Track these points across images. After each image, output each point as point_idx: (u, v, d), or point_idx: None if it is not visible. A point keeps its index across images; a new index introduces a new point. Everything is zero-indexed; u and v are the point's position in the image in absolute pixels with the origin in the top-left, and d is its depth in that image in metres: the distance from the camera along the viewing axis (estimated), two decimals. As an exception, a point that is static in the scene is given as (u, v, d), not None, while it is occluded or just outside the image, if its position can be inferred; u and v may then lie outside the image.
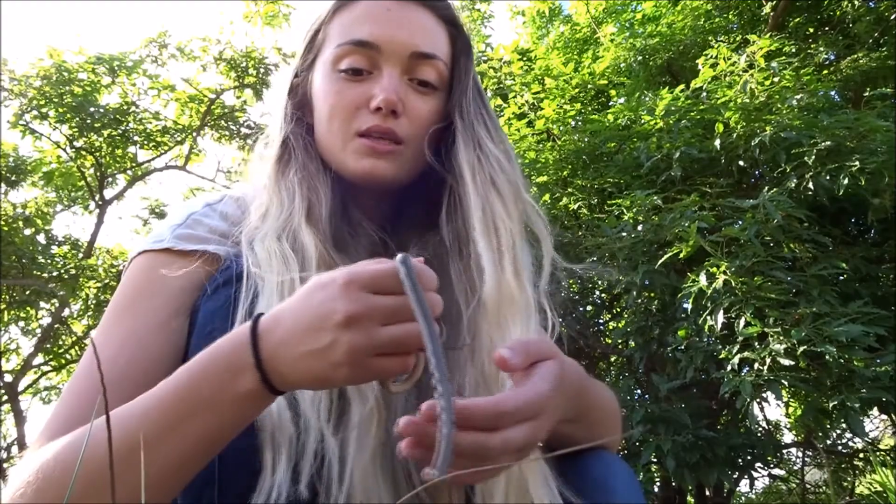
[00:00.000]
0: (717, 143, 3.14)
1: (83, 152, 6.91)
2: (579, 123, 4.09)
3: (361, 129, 0.75)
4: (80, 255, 6.77)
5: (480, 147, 0.76)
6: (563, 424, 0.67)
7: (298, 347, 0.52)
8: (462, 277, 0.73)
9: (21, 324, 6.81)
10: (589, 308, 4.11)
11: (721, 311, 2.45)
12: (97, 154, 6.92)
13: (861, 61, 4.11)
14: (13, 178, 6.48)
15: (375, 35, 0.76)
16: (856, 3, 4.81)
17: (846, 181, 2.57)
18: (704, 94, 3.54)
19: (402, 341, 0.52)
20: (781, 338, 2.28)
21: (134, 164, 7.42)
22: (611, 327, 4.12)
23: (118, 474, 0.47)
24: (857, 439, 3.94)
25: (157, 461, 0.53)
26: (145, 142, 7.17)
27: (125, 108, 6.78)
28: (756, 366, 2.34)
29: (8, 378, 6.39)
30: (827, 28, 5.18)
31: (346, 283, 0.52)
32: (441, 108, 0.79)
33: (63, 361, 7.23)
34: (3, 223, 6.02)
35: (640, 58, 4.84)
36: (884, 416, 3.63)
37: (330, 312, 0.51)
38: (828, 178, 2.67)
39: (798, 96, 3.20)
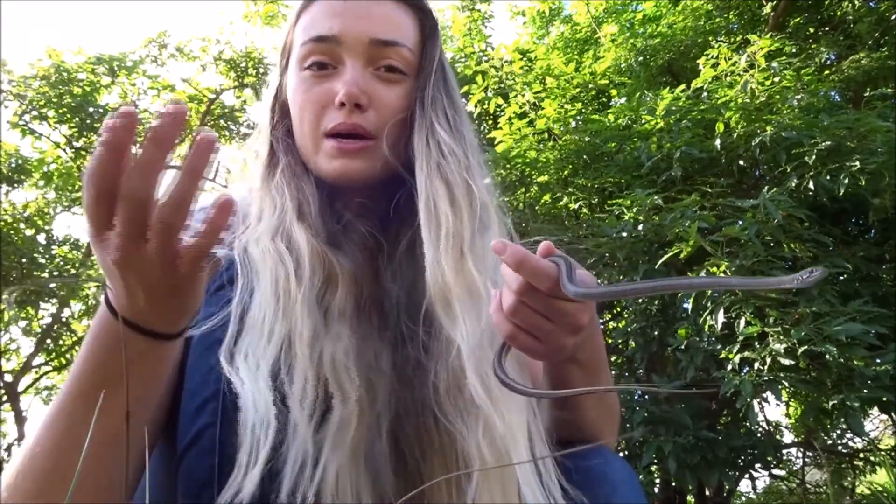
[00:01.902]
0: (718, 142, 3.14)
1: (83, 152, 6.90)
2: (580, 123, 4.09)
3: (328, 128, 0.74)
4: (81, 256, 6.77)
5: (431, 133, 0.75)
6: (576, 368, 0.69)
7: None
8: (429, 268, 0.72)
9: (21, 324, 6.80)
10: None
11: (721, 311, 2.45)
12: (97, 154, 6.90)
13: (862, 62, 4.11)
14: (14, 179, 6.48)
15: (334, 28, 0.75)
16: (856, 3, 4.81)
17: (846, 181, 2.57)
18: (705, 94, 3.54)
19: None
20: (782, 337, 2.28)
21: (134, 164, 7.40)
22: (611, 327, 4.11)
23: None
24: (857, 439, 3.94)
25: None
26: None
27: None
28: (756, 365, 2.34)
29: (8, 378, 6.38)
30: (827, 28, 5.18)
31: None
32: (410, 95, 0.78)
33: (63, 361, 7.23)
34: (3, 223, 6.01)
35: (640, 58, 4.84)
36: (884, 416, 3.63)
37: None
38: (828, 177, 2.67)
39: (798, 96, 3.20)
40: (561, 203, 3.63)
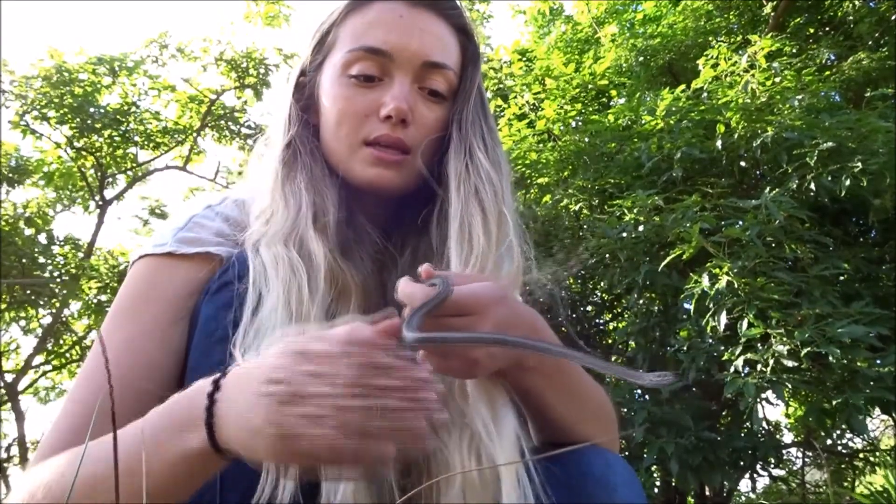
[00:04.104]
0: (719, 143, 3.14)
1: (84, 153, 6.89)
2: (580, 124, 4.09)
3: (370, 137, 0.75)
4: (81, 256, 6.77)
5: (470, 157, 0.76)
6: (530, 375, 0.67)
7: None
8: None
9: (21, 324, 6.80)
10: (590, 308, 4.11)
11: (724, 312, 2.45)
12: (97, 154, 6.91)
13: (863, 62, 4.11)
14: (14, 179, 6.47)
15: (388, 43, 0.75)
16: (856, 3, 4.81)
17: (847, 182, 2.57)
18: (705, 94, 3.54)
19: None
20: (784, 339, 2.28)
21: (134, 165, 7.41)
22: (612, 328, 4.12)
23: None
24: (857, 439, 3.94)
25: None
26: (146, 142, 7.16)
27: (126, 108, 6.77)
28: (759, 367, 2.34)
29: (8, 378, 6.38)
30: (828, 28, 5.18)
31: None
32: (447, 117, 0.79)
33: (63, 361, 7.22)
34: (3, 223, 6.01)
35: (641, 58, 4.84)
36: (884, 417, 3.63)
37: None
38: (829, 178, 2.67)
39: (799, 97, 3.20)
40: (561, 204, 3.63)
